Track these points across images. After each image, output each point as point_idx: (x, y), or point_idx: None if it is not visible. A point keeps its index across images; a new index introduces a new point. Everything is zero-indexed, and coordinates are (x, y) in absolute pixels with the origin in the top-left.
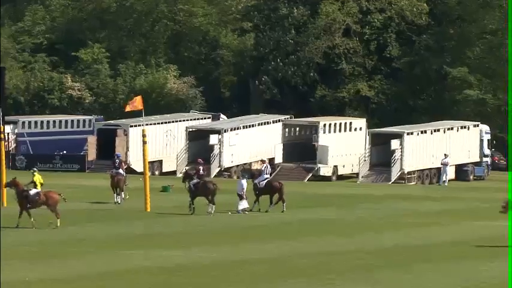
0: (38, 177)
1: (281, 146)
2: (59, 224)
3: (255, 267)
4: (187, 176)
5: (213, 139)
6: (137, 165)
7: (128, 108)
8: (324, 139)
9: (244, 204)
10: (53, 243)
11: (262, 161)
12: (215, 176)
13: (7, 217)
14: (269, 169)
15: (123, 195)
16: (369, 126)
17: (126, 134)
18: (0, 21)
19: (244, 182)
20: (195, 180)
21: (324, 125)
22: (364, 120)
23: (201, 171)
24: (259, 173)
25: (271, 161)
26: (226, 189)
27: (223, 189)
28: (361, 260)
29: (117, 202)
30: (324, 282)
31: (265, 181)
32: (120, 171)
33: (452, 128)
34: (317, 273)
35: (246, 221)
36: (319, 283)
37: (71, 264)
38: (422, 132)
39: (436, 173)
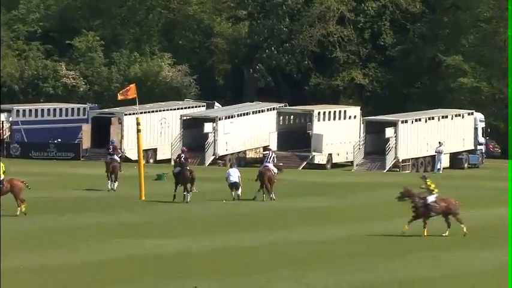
0: (1, 166)
1: (275, 134)
2: (20, 212)
3: (250, 256)
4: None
5: (208, 127)
6: (132, 153)
7: (120, 97)
8: (318, 127)
9: (239, 190)
10: (48, 231)
11: (265, 149)
12: (209, 164)
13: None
14: (271, 156)
15: (116, 183)
16: (363, 114)
17: (120, 122)
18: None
19: (235, 169)
20: (177, 168)
21: (319, 113)
22: (359, 108)
23: (182, 159)
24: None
25: (265, 148)
26: (221, 177)
27: (219, 177)
28: (354, 248)
29: (112, 189)
30: (317, 271)
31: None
32: (115, 157)
33: (446, 116)
34: (311, 261)
35: (240, 209)
36: (314, 271)
37: (65, 252)
38: (416, 120)
39: (430, 161)
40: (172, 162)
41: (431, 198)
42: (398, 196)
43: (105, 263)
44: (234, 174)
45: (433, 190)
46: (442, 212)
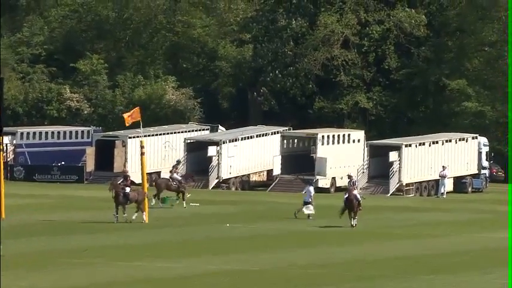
0: None
1: (279, 158)
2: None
3: (253, 278)
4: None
5: (212, 151)
6: (135, 176)
7: (127, 122)
8: (322, 151)
9: (311, 209)
10: (54, 253)
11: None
12: (213, 187)
13: (6, 228)
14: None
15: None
16: (367, 138)
17: (124, 145)
18: (1, 32)
19: (311, 188)
20: (127, 189)
21: (323, 137)
22: (363, 132)
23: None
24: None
25: (269, 172)
26: (224, 200)
27: (222, 200)
28: (360, 271)
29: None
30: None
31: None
32: (127, 189)
33: (450, 140)
34: (315, 284)
35: (242, 232)
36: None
37: (71, 274)
38: (420, 144)
39: (434, 185)
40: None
41: None
42: None
43: (113, 285)
44: (310, 194)
45: None
46: None
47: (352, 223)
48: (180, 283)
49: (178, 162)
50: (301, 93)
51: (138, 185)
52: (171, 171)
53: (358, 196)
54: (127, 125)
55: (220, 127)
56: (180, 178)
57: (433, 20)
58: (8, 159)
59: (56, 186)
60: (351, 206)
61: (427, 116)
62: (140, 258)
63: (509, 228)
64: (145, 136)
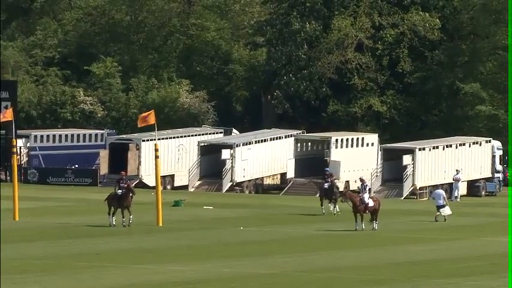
0: None
1: (293, 161)
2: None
3: (264, 282)
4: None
5: (225, 154)
6: (149, 179)
7: (140, 124)
8: (336, 154)
9: (448, 211)
10: (67, 256)
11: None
12: (227, 190)
13: (20, 231)
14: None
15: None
16: (381, 142)
17: (138, 148)
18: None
19: (442, 191)
20: (119, 192)
21: (336, 140)
22: (376, 135)
23: (122, 183)
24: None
25: (283, 175)
26: (238, 203)
27: (236, 203)
28: (373, 275)
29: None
30: None
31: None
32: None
33: (464, 144)
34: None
35: (256, 235)
36: None
37: (82, 278)
38: (434, 147)
39: (447, 189)
40: (191, 189)
41: None
42: None
43: None
44: (441, 196)
45: None
46: None
47: (358, 227)
48: (191, 286)
49: None
50: (315, 97)
51: (152, 187)
52: None
53: (366, 200)
54: (139, 126)
55: (234, 130)
56: None
57: (446, 23)
58: (22, 162)
59: (70, 189)
60: (356, 209)
61: (441, 120)
62: (153, 262)
63: (509, 232)
64: (159, 139)
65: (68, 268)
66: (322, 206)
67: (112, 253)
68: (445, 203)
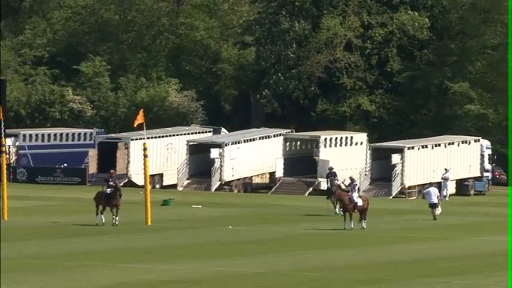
0: None
1: (282, 160)
2: None
3: (255, 281)
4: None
5: (214, 153)
6: (138, 178)
7: (136, 123)
8: (324, 153)
9: (439, 209)
10: (56, 256)
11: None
12: (216, 189)
13: (9, 230)
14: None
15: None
16: (369, 141)
17: (127, 147)
18: (1, 34)
19: (434, 189)
20: (108, 190)
21: (325, 139)
22: (365, 134)
23: (110, 182)
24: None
25: (271, 175)
26: (227, 202)
27: (225, 203)
28: (365, 274)
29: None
30: None
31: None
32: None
33: (453, 143)
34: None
35: (245, 234)
36: None
37: (72, 277)
38: (423, 146)
39: (436, 188)
40: (180, 188)
41: None
42: None
43: None
44: (434, 194)
45: None
46: None
47: (347, 226)
48: (182, 287)
49: None
50: (303, 96)
51: (141, 187)
52: None
53: (355, 199)
54: (135, 125)
55: (222, 129)
56: None
57: (435, 23)
58: (11, 161)
59: (59, 188)
60: (345, 208)
61: (430, 119)
62: (143, 261)
63: (509, 231)
64: (148, 138)
65: (56, 267)
66: (335, 206)
67: (101, 252)
68: (438, 201)
